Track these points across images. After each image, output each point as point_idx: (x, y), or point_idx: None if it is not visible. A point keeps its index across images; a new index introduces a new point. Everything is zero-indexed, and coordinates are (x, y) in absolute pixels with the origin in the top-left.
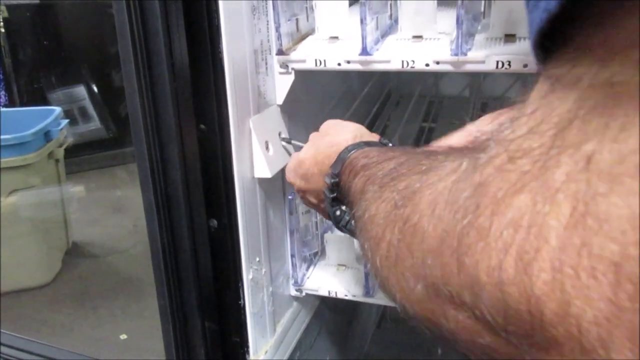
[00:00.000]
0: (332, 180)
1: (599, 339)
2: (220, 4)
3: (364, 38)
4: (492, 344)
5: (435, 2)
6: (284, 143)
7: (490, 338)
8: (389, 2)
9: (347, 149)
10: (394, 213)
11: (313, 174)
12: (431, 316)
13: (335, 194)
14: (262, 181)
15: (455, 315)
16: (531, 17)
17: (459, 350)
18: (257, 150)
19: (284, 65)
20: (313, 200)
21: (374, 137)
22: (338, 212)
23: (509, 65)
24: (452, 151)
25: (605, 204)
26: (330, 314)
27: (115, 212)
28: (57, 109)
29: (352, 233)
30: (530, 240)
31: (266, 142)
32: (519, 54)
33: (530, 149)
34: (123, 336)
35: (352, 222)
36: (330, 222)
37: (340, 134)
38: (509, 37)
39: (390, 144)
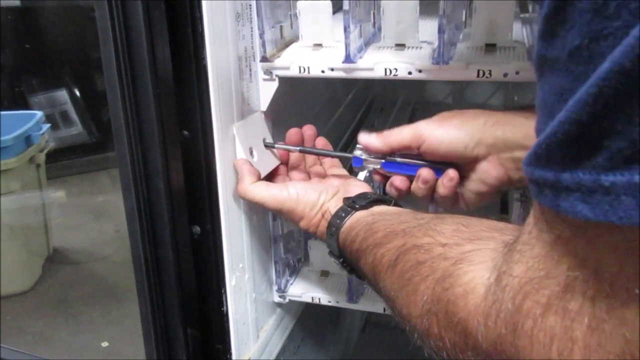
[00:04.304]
0: (340, 260)
1: None
2: (204, 10)
3: (347, 46)
4: None
5: (418, 11)
6: (271, 148)
7: None
8: (372, 11)
9: (330, 232)
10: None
11: (314, 232)
12: (442, 345)
13: (346, 264)
14: None
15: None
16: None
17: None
18: (241, 157)
19: (268, 72)
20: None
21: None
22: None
23: (490, 74)
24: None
25: (609, 326)
26: (315, 319)
27: (97, 218)
28: (39, 113)
29: None
30: (565, 342)
31: (250, 149)
32: (499, 63)
33: (548, 285)
34: (104, 343)
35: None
36: None
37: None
38: (490, 47)
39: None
